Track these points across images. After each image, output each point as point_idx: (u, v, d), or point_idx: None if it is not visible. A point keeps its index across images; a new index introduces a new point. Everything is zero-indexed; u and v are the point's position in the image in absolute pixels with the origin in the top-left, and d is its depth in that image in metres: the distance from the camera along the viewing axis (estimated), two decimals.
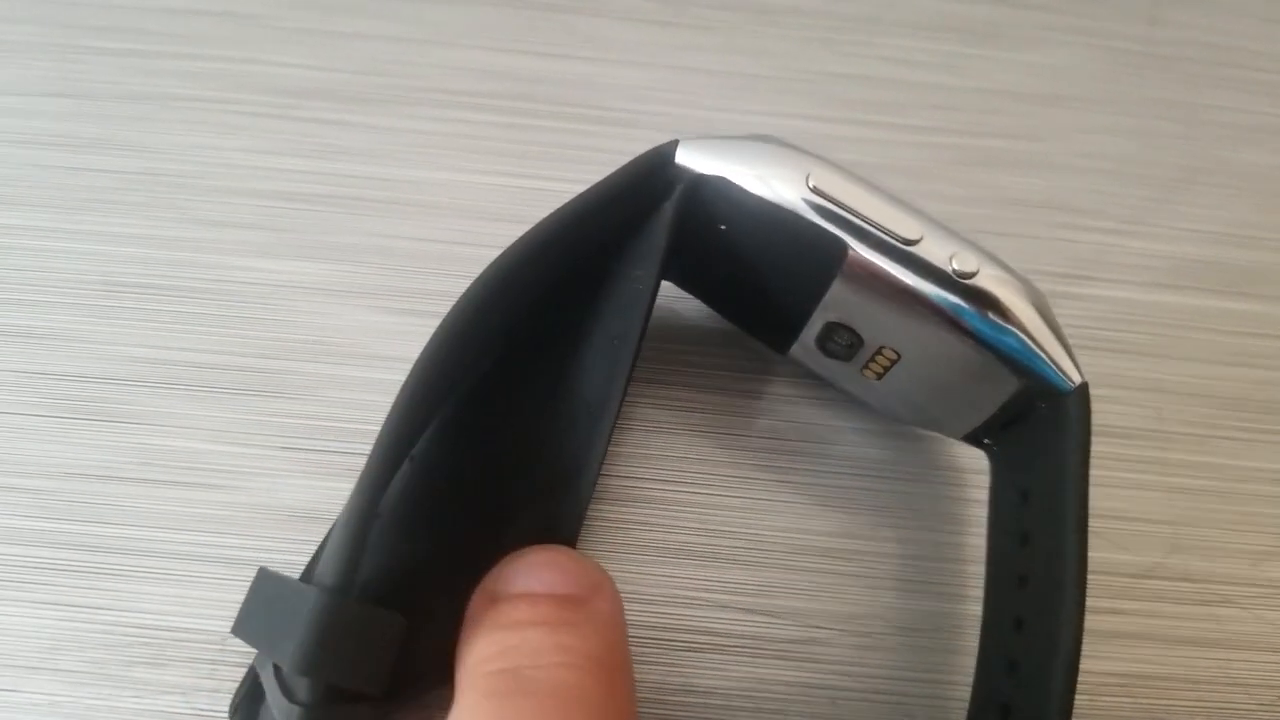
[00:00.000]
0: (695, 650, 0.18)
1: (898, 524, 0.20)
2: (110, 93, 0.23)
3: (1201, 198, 0.24)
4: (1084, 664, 0.18)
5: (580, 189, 0.17)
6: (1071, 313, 0.22)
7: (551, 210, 0.16)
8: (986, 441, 0.18)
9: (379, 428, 0.14)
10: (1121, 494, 0.20)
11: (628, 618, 0.18)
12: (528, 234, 0.16)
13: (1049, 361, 0.15)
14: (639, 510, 0.19)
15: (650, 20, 0.26)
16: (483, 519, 0.16)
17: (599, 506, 0.19)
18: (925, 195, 0.24)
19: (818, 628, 0.19)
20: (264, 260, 0.21)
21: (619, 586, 0.18)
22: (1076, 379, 0.15)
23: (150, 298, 0.21)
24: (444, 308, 0.16)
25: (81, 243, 0.21)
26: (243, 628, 0.14)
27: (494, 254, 0.17)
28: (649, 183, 0.17)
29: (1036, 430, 0.16)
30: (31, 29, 0.24)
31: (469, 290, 0.15)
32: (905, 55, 0.26)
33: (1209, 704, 0.18)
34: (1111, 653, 0.19)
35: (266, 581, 0.14)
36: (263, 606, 0.14)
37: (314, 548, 0.17)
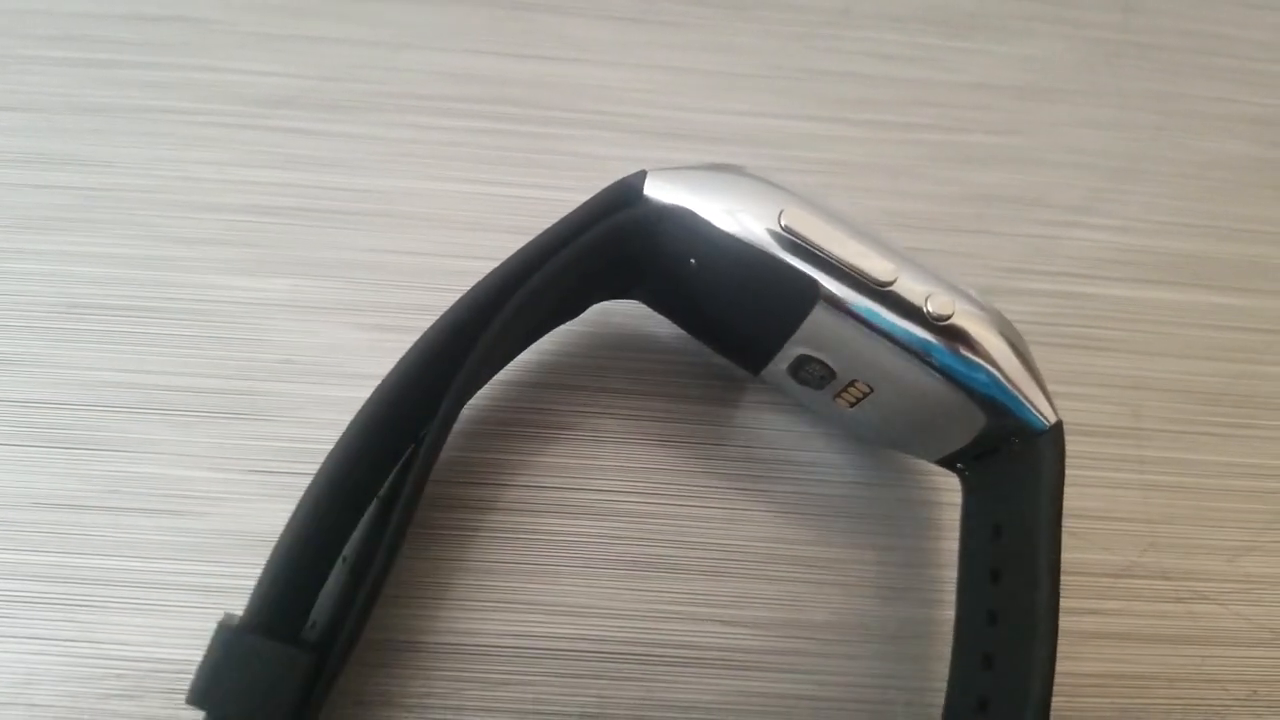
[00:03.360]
0: (673, 665, 0.17)
1: (873, 530, 0.18)
2: (66, 105, 0.21)
3: (1177, 189, 0.23)
4: (1061, 665, 0.17)
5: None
6: (1044, 309, 0.21)
7: (519, 236, 0.15)
8: (959, 466, 0.17)
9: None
10: (1098, 493, 0.19)
11: (604, 634, 0.17)
12: (480, 283, 0.15)
13: (1024, 401, 0.14)
14: (613, 524, 0.18)
15: (621, 17, 0.24)
16: None
17: (573, 522, 0.18)
18: (903, 193, 0.23)
19: (796, 637, 0.17)
20: (234, 278, 0.20)
21: (595, 602, 0.17)
22: (1051, 418, 0.14)
23: (115, 319, 0.19)
24: (422, 323, 0.15)
25: (41, 263, 0.19)
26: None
27: (472, 265, 0.15)
28: (614, 217, 0.15)
29: (1010, 464, 0.15)
30: None
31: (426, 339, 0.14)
32: (881, 49, 0.24)
33: (1185, 701, 0.17)
34: (1089, 653, 0.18)
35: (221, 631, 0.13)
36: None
37: None
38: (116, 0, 0.22)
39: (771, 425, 0.19)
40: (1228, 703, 0.18)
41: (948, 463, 0.17)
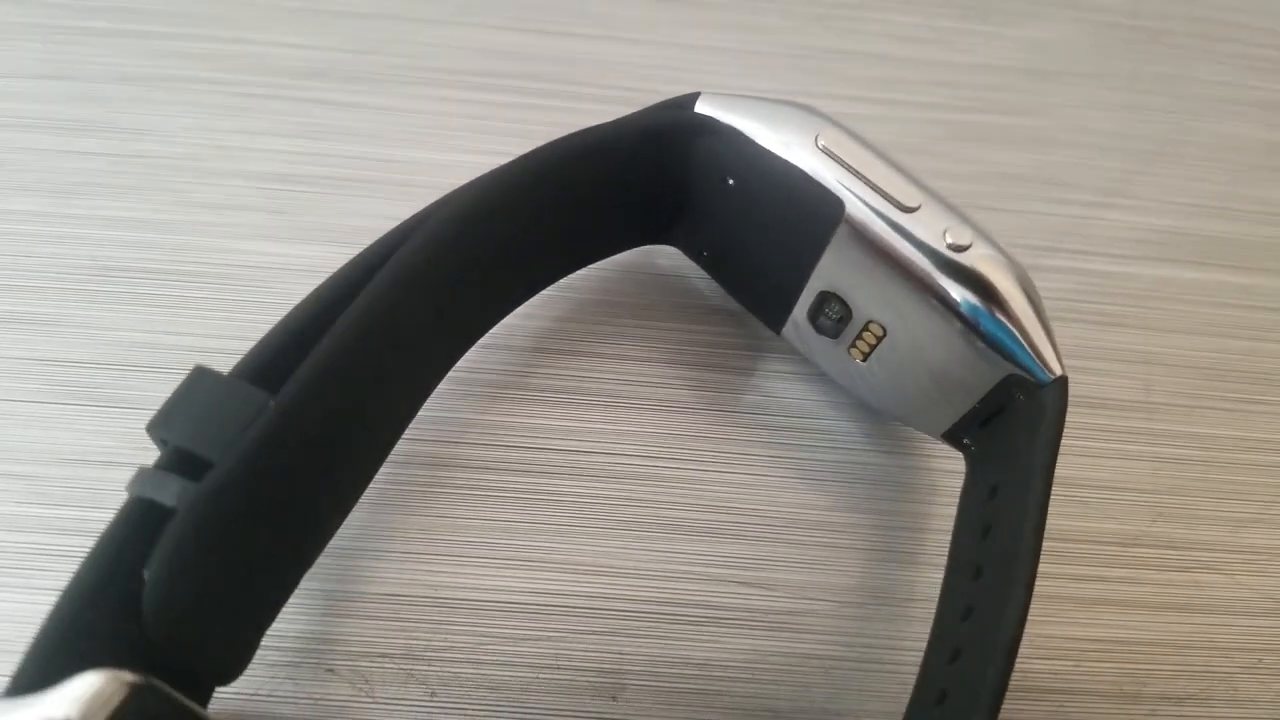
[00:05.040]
0: (692, 623, 0.17)
1: (887, 496, 0.18)
2: (101, 74, 0.21)
3: (1188, 171, 0.22)
4: (1070, 630, 0.16)
5: None
6: (1060, 286, 0.21)
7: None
8: (966, 442, 0.16)
9: None
10: (1108, 464, 0.19)
11: (624, 592, 0.17)
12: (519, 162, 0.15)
13: (1029, 350, 0.14)
14: (633, 486, 0.18)
15: None
16: None
17: (593, 484, 0.18)
18: (921, 171, 0.22)
19: (812, 599, 0.17)
20: (262, 243, 0.19)
21: (615, 562, 0.17)
22: (1057, 370, 0.14)
23: (145, 282, 0.19)
24: None
25: (73, 227, 0.19)
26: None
27: None
28: (665, 129, 0.15)
29: (1012, 424, 0.14)
30: (16, 10, 0.21)
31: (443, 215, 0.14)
32: (898, 30, 0.23)
33: (1190, 668, 0.17)
34: (1095, 619, 0.17)
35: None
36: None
37: None
38: None
39: (788, 394, 0.19)
40: (1232, 670, 0.17)
41: (955, 437, 0.16)
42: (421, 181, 0.21)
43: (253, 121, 0.21)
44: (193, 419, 0.12)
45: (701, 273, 0.19)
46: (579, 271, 0.19)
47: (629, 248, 0.19)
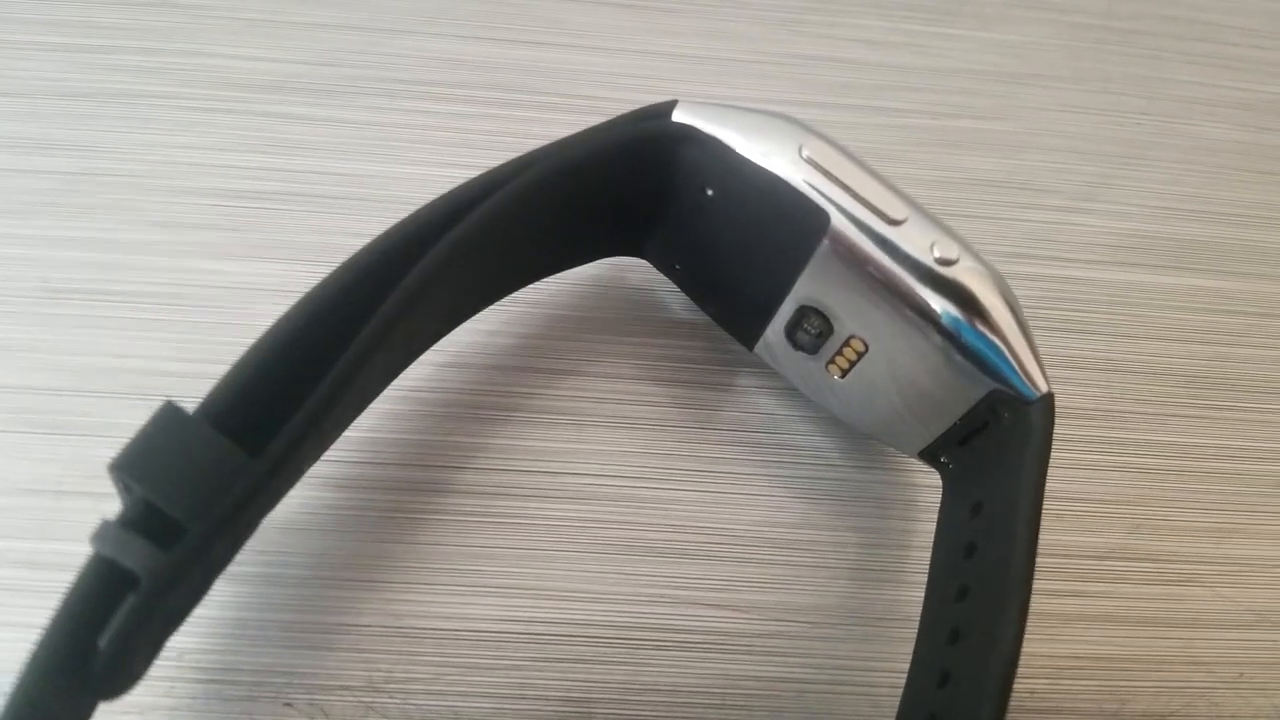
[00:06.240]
0: (660, 648, 0.16)
1: (859, 514, 0.17)
2: (49, 90, 0.20)
3: (1162, 173, 0.22)
4: (1045, 648, 0.16)
5: None
6: (1029, 293, 0.20)
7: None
8: (944, 460, 0.15)
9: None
10: (1081, 475, 0.18)
11: (589, 618, 0.16)
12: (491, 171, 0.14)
13: (1016, 366, 0.13)
14: (599, 508, 0.17)
15: (610, 3, 0.22)
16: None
17: (558, 505, 0.17)
18: (892, 178, 0.22)
19: (782, 620, 0.16)
20: (220, 262, 0.18)
21: (581, 586, 0.16)
22: (1043, 387, 0.13)
23: (99, 304, 0.18)
24: None
25: (23, 248, 0.18)
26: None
27: None
28: (646, 139, 0.14)
29: (995, 442, 0.14)
30: None
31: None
32: (866, 35, 0.23)
33: (1171, 684, 0.17)
34: (1074, 635, 0.17)
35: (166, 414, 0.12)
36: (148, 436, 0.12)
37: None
38: None
39: (758, 409, 0.18)
40: (1214, 685, 0.17)
41: (932, 455, 0.15)
42: (385, 196, 0.20)
43: (209, 137, 0.20)
44: (163, 470, 0.11)
45: (669, 286, 0.18)
46: (545, 285, 0.18)
47: (596, 259, 0.18)
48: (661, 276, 0.18)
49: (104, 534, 0.11)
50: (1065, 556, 0.17)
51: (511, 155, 0.22)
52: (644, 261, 0.18)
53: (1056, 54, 0.23)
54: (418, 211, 0.14)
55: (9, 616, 0.15)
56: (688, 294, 0.18)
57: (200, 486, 0.11)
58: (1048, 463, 0.13)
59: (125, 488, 0.11)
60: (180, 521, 0.11)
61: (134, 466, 0.11)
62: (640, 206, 0.16)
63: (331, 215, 0.19)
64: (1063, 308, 0.20)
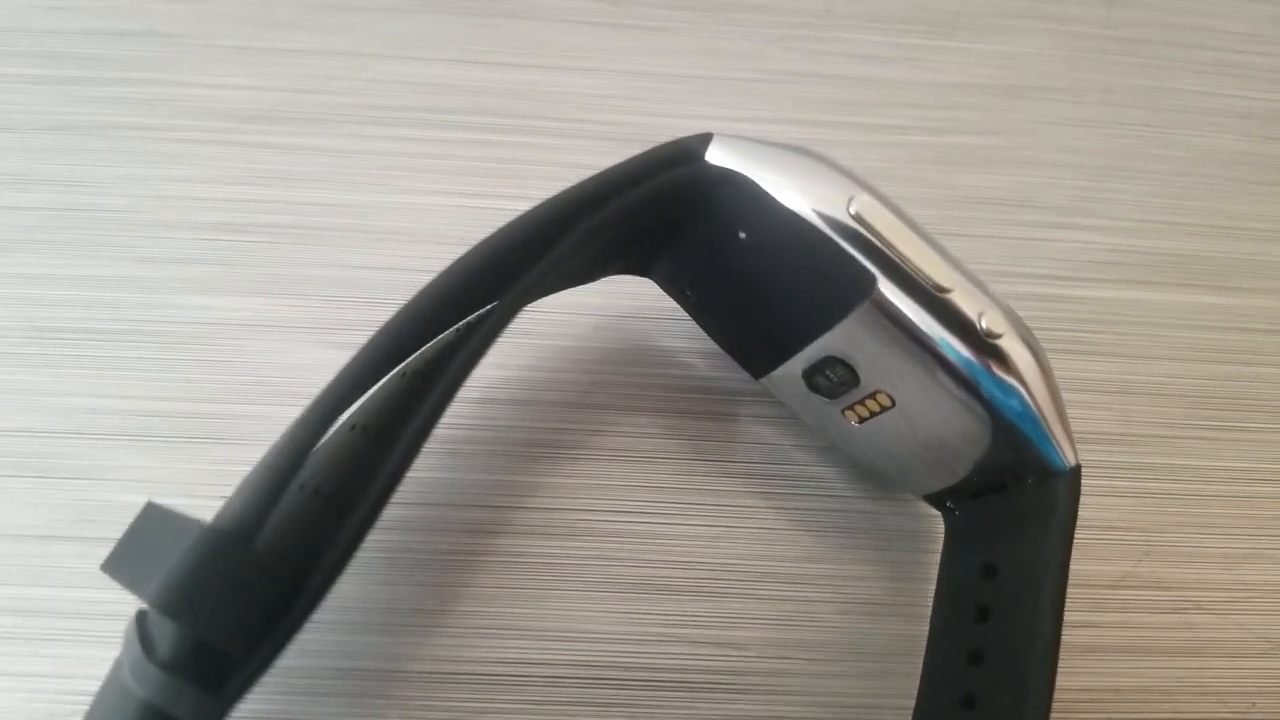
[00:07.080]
0: (662, 689, 0.16)
1: (864, 545, 0.17)
2: (31, 123, 0.19)
3: (1167, 187, 0.21)
4: (1060, 681, 0.15)
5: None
6: (1035, 314, 0.19)
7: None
8: (949, 505, 0.15)
9: None
10: (1091, 501, 0.17)
11: (588, 659, 0.16)
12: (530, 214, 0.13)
13: (1049, 435, 0.13)
14: (598, 544, 0.16)
15: (597, 23, 0.22)
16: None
17: (556, 543, 0.16)
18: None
19: (786, 657, 0.16)
20: (207, 297, 0.18)
21: (580, 626, 0.16)
22: (1072, 460, 0.13)
23: (84, 343, 0.17)
24: None
25: (6, 287, 0.18)
26: (115, 565, 0.11)
27: None
28: (675, 171, 0.14)
29: (1014, 503, 0.13)
30: None
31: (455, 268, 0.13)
32: (861, 50, 0.22)
33: (1184, 715, 0.16)
34: (1085, 667, 0.16)
35: (153, 516, 0.11)
36: (143, 541, 0.11)
37: None
38: (88, 16, 0.21)
39: (760, 439, 0.18)
40: (1226, 716, 0.16)
41: (937, 500, 0.15)
42: (374, 226, 0.19)
43: (193, 169, 0.19)
44: (208, 605, 0.10)
45: (669, 312, 0.18)
46: (540, 314, 0.17)
47: (602, 278, 0.17)
48: (661, 297, 0.18)
49: (146, 678, 0.10)
50: (1077, 586, 0.16)
51: (500, 181, 0.21)
52: (649, 280, 0.17)
53: (1056, 65, 0.22)
54: (444, 289, 0.13)
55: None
56: (696, 320, 0.17)
57: (246, 611, 0.10)
58: (1073, 539, 0.13)
59: (156, 608, 0.10)
60: (229, 652, 0.10)
61: (176, 605, 0.10)
62: (660, 233, 0.15)
63: (319, 246, 0.19)
64: (1065, 327, 0.19)
